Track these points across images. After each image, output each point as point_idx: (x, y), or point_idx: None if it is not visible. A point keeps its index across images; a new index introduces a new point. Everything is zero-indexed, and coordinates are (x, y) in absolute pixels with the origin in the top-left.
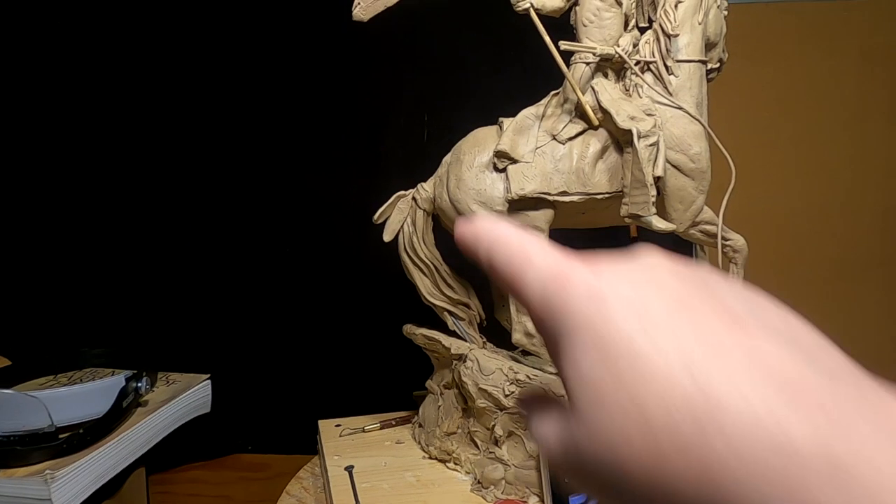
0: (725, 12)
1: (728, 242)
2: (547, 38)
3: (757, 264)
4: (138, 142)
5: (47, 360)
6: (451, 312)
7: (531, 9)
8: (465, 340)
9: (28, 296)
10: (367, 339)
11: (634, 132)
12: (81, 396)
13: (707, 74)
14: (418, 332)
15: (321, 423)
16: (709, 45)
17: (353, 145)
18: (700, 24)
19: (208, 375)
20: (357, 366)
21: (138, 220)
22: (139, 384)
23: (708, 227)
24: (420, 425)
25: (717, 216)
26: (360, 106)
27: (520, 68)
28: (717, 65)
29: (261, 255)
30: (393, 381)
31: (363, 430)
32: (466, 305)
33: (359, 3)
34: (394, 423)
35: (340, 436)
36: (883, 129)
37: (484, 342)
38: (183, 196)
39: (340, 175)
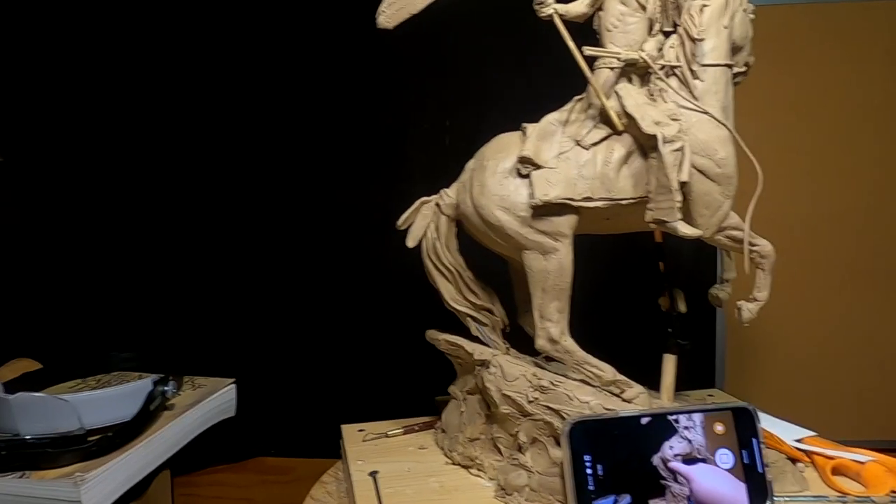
0: (752, 16)
1: (755, 248)
2: (571, 44)
3: (783, 269)
4: (168, 150)
5: (77, 364)
6: (474, 318)
7: (555, 15)
8: (489, 346)
9: (58, 301)
10: (390, 344)
11: (660, 137)
12: (110, 400)
13: (733, 78)
14: (441, 338)
15: (344, 427)
16: (735, 49)
17: (376, 151)
18: (726, 27)
19: (233, 380)
20: (381, 371)
21: (166, 227)
22: (166, 388)
23: (734, 233)
24: (443, 431)
25: (744, 221)
26: (382, 112)
27: (542, 73)
28: (744, 68)
29: (286, 260)
30: (417, 386)
31: (386, 435)
32: (490, 311)
33: (383, 11)
34: (417, 428)
35: (364, 441)
36: None
37: (507, 348)
38: (210, 204)
39: (364, 181)
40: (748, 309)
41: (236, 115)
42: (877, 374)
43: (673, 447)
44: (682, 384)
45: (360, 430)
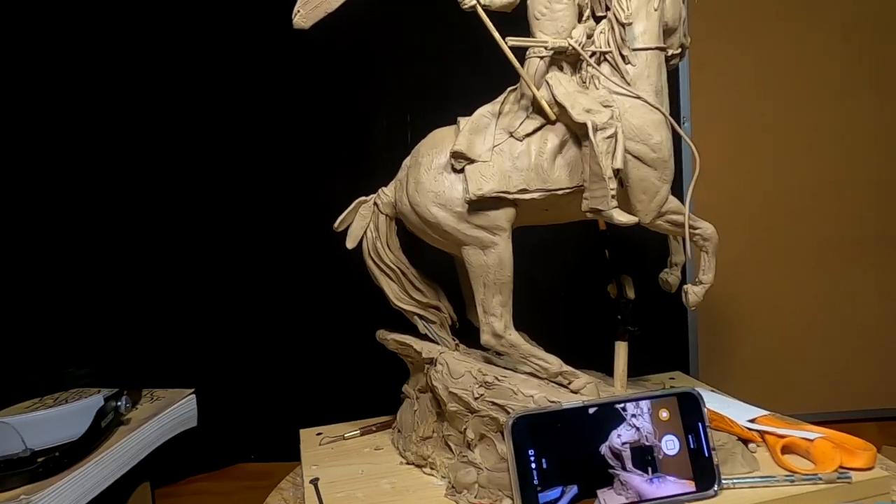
0: None
1: (697, 231)
2: (496, 35)
3: (751, 245)
4: (116, 159)
5: (32, 383)
6: (421, 316)
7: (478, 6)
8: (438, 343)
9: (11, 318)
10: (353, 343)
11: (589, 125)
12: (58, 419)
13: (668, 61)
14: (390, 338)
15: (303, 432)
16: (668, 31)
17: (336, 149)
18: (656, 10)
19: (192, 390)
20: (345, 371)
21: (118, 238)
22: (119, 403)
23: (675, 217)
24: (399, 430)
25: (684, 205)
26: (343, 110)
27: (501, 64)
28: (679, 50)
29: (243, 265)
30: (379, 385)
31: (343, 438)
32: (437, 308)
33: (298, 11)
34: (374, 429)
35: (320, 444)
36: (868, 102)
37: (456, 344)
38: (162, 213)
39: (324, 179)
40: (694, 292)
41: (193, 120)
42: (846, 346)
43: (621, 435)
44: (653, 368)
45: (318, 434)
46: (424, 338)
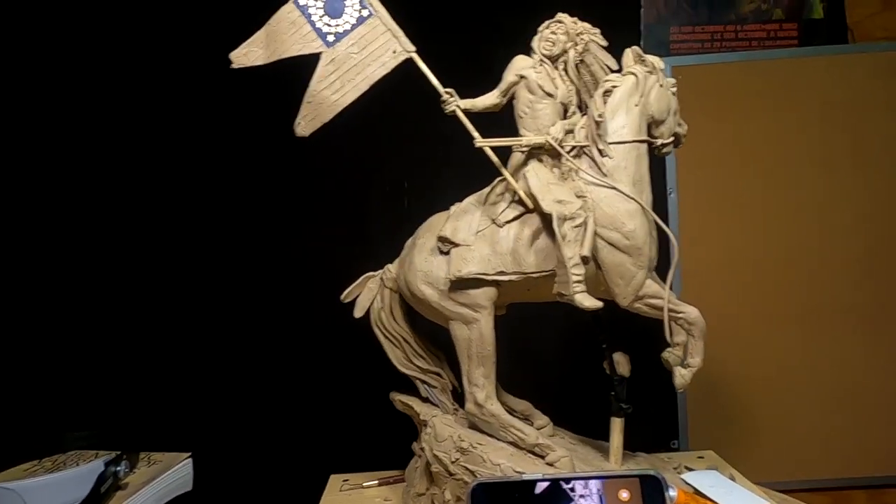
0: (673, 89)
1: (681, 315)
2: (475, 135)
3: (740, 312)
4: (122, 219)
5: (31, 446)
6: (422, 381)
7: (458, 110)
8: (438, 407)
9: (10, 380)
10: (359, 403)
11: (554, 215)
12: (60, 484)
13: (661, 149)
14: (397, 399)
15: (333, 476)
16: (655, 123)
17: (338, 213)
18: (637, 105)
19: (189, 454)
20: (348, 432)
21: (119, 300)
22: (118, 468)
23: (654, 301)
24: (407, 484)
25: (664, 290)
26: (344, 176)
27: (496, 135)
28: (670, 139)
29: (246, 325)
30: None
31: (362, 487)
32: (438, 374)
33: (300, 123)
34: (391, 480)
35: (341, 490)
36: (848, 174)
37: (455, 409)
38: (161, 275)
39: (325, 242)
40: (681, 375)
41: (196, 183)
42: (835, 413)
43: None
44: (646, 439)
45: (345, 480)
46: (426, 401)
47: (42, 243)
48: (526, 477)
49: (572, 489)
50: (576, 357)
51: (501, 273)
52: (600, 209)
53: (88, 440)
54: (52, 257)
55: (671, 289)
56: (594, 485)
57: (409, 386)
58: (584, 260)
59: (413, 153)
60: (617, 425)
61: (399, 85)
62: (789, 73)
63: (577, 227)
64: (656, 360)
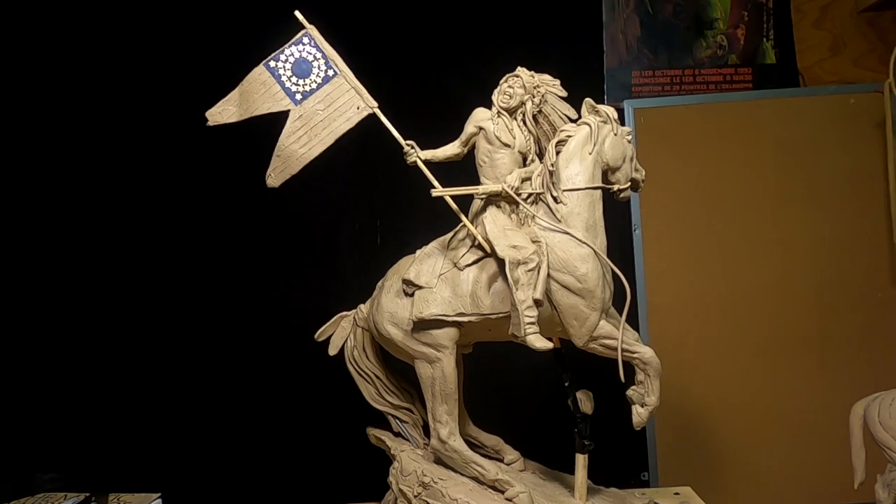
0: (628, 137)
1: (636, 355)
2: (435, 184)
3: (698, 346)
4: (96, 263)
5: (0, 488)
6: (394, 416)
7: (419, 161)
8: (409, 441)
9: None
10: (327, 441)
11: (507, 261)
12: None
13: (619, 194)
14: (372, 433)
15: None
16: (611, 170)
17: (309, 251)
18: (591, 153)
19: (159, 495)
20: (341, 458)
21: (89, 341)
22: None
23: (608, 342)
24: None
25: (618, 331)
26: (315, 212)
27: (466, 176)
28: (626, 185)
29: (222, 366)
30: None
31: None
32: (409, 410)
33: (270, 175)
34: None
35: None
36: (803, 211)
37: (425, 443)
38: (133, 316)
39: (297, 279)
40: (638, 413)
41: (170, 223)
42: (796, 444)
43: None
44: (616, 472)
45: None
46: (398, 435)
47: (8, 285)
48: None
49: None
50: (547, 392)
51: (461, 314)
52: (554, 253)
53: (57, 482)
54: (18, 301)
55: (634, 328)
56: None
57: (386, 421)
58: (537, 303)
59: (383, 193)
60: (581, 461)
61: (371, 129)
62: (745, 114)
63: (530, 270)
64: (624, 394)
